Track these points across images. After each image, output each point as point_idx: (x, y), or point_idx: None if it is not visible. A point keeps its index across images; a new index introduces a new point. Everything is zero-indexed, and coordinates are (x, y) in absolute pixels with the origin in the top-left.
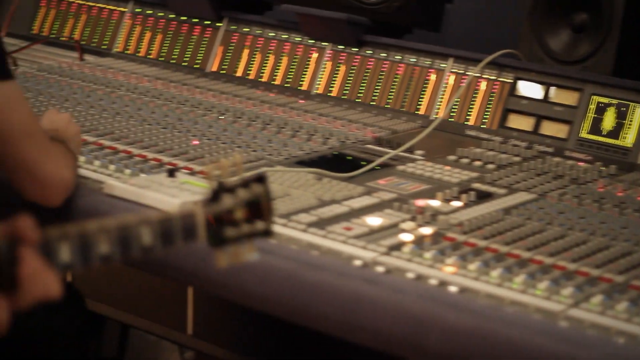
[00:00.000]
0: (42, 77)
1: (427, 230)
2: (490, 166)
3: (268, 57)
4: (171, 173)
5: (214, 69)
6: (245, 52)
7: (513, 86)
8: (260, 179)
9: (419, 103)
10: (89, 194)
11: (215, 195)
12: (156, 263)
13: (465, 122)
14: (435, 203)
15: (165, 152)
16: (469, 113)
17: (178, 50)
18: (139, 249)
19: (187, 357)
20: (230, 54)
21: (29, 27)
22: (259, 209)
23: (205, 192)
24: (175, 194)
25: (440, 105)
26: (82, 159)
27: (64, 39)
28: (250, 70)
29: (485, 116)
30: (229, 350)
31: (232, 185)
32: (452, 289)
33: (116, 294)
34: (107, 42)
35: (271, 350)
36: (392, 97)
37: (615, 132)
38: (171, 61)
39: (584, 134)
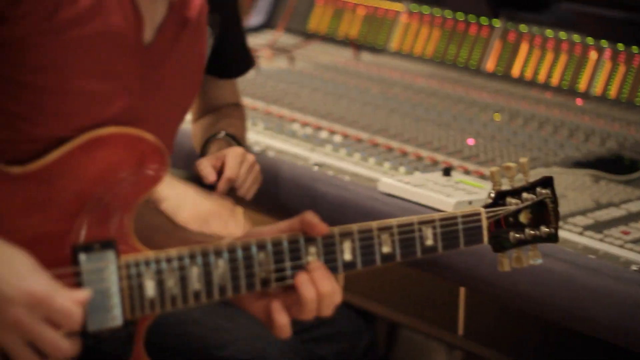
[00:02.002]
0: (318, 74)
1: None
2: None
3: (545, 56)
4: (446, 172)
5: (490, 67)
6: (522, 51)
7: None
8: (546, 183)
9: None
10: (364, 192)
11: (500, 198)
12: (428, 262)
13: None
14: None
15: (440, 150)
16: None
17: (454, 48)
18: (420, 250)
19: (455, 358)
20: (506, 53)
21: (306, 25)
22: (544, 213)
23: (491, 194)
24: (450, 193)
25: None
26: (357, 156)
27: (339, 36)
28: (526, 69)
29: None
30: (500, 352)
31: (517, 189)
32: None
33: (386, 292)
34: (382, 40)
35: (543, 354)
36: None
37: None
38: (446, 60)
39: None
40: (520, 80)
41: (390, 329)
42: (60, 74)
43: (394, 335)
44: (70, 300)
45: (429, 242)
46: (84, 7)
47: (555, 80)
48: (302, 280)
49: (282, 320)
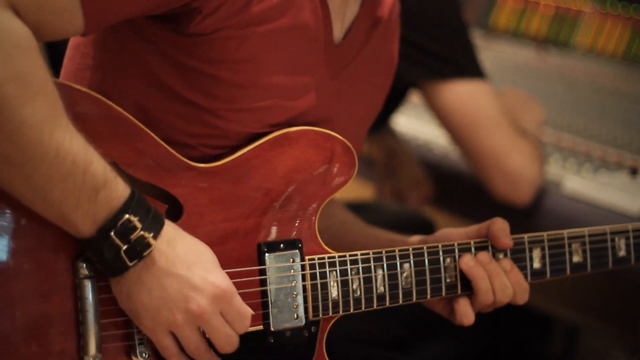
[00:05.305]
0: (500, 70)
1: None
2: None
3: None
4: (633, 172)
5: None
6: None
7: None
8: None
9: None
10: (547, 192)
11: None
12: None
13: None
14: None
15: (626, 150)
16: None
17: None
18: (612, 261)
19: None
20: None
21: (487, 20)
22: None
23: None
24: (637, 194)
25: None
26: None
27: (524, 33)
28: None
29: None
30: None
31: None
32: None
33: (566, 294)
34: (568, 38)
35: None
36: None
37: None
38: (633, 58)
39: None
40: None
41: (570, 332)
42: (252, 69)
43: (574, 338)
44: (245, 304)
45: (622, 253)
46: (276, 2)
47: None
48: (481, 275)
49: (465, 310)
